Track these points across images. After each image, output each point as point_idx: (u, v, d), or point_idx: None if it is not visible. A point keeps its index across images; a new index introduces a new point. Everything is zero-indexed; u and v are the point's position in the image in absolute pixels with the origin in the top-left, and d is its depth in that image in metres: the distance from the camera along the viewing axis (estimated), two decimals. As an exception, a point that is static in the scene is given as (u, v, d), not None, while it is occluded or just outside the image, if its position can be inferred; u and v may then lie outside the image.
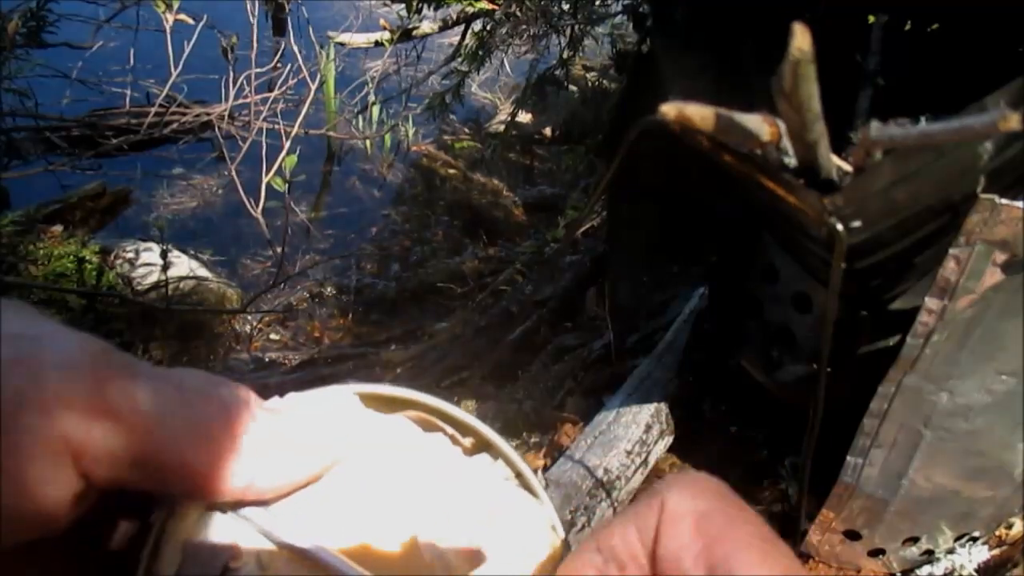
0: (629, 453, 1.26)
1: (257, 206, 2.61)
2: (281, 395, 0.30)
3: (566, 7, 2.79)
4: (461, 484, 0.31)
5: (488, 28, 2.83)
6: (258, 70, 3.34)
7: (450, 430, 0.33)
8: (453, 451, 0.32)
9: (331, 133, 3.67)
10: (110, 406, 0.24)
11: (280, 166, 2.58)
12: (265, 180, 2.59)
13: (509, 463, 0.33)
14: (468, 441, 0.33)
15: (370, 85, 3.69)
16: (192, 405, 0.26)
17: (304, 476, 0.28)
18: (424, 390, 0.33)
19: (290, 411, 0.29)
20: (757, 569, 0.24)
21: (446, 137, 3.99)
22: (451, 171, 3.70)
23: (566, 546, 0.32)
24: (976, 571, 0.96)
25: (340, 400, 0.31)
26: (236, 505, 0.28)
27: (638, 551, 0.26)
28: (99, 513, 0.27)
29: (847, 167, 0.57)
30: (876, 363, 0.83)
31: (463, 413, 0.33)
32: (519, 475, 0.33)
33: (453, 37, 3.60)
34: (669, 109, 0.46)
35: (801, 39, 0.39)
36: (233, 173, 2.74)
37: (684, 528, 0.25)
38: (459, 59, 2.99)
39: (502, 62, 3.91)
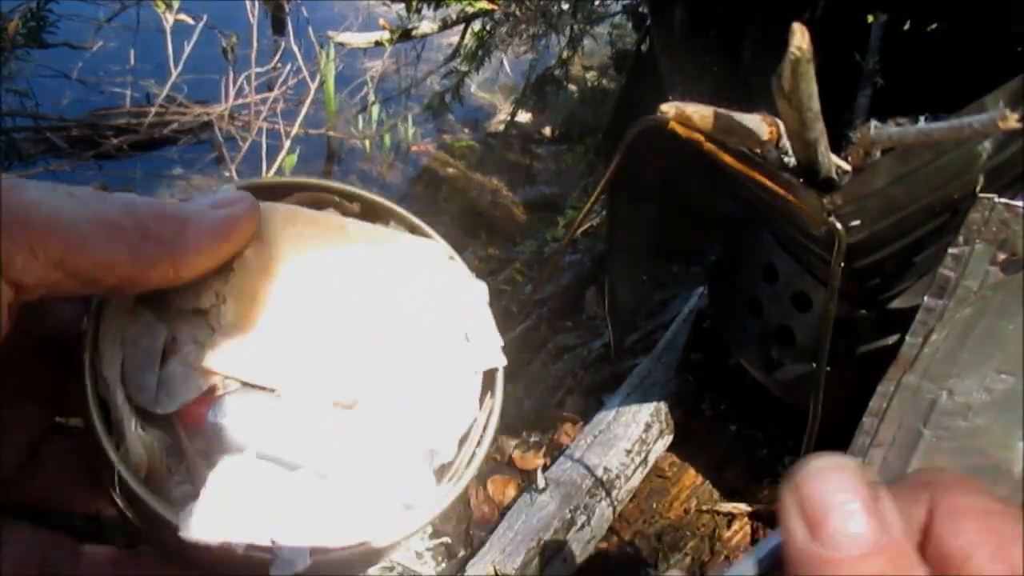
0: (629, 452, 1.27)
1: (257, 206, 2.61)
2: None
3: (565, 7, 2.79)
4: (366, 249, 0.34)
5: (487, 28, 2.83)
6: (258, 70, 3.34)
7: (337, 200, 0.35)
8: (344, 219, 0.35)
9: (331, 133, 3.67)
10: (11, 216, 0.24)
11: (280, 166, 2.58)
12: (265, 180, 2.59)
13: (401, 220, 0.36)
14: (355, 207, 0.35)
15: (370, 85, 3.69)
16: (88, 203, 0.26)
17: (218, 244, 0.30)
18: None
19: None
20: None
21: (445, 137, 3.99)
22: (451, 171, 3.70)
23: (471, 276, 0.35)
24: (975, 570, 0.96)
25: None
26: (162, 294, 0.30)
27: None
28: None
29: (846, 166, 0.57)
30: (876, 362, 0.83)
31: (345, 185, 0.35)
32: (413, 228, 0.36)
33: (453, 37, 3.60)
34: (669, 109, 0.47)
35: (800, 39, 0.40)
36: (233, 173, 2.74)
37: (970, 525, 0.23)
38: (458, 59, 2.99)
39: (501, 62, 3.91)
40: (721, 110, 0.46)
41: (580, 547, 1.18)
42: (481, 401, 0.34)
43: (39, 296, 0.26)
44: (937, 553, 0.23)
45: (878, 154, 0.55)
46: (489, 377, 0.35)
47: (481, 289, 0.35)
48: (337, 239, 0.33)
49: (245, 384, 0.30)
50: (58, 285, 0.26)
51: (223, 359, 0.30)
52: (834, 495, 0.23)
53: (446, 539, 1.29)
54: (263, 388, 0.30)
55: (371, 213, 0.36)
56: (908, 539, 0.23)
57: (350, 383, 0.31)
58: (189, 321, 0.30)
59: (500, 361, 0.35)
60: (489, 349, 0.35)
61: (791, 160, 0.54)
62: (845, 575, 0.22)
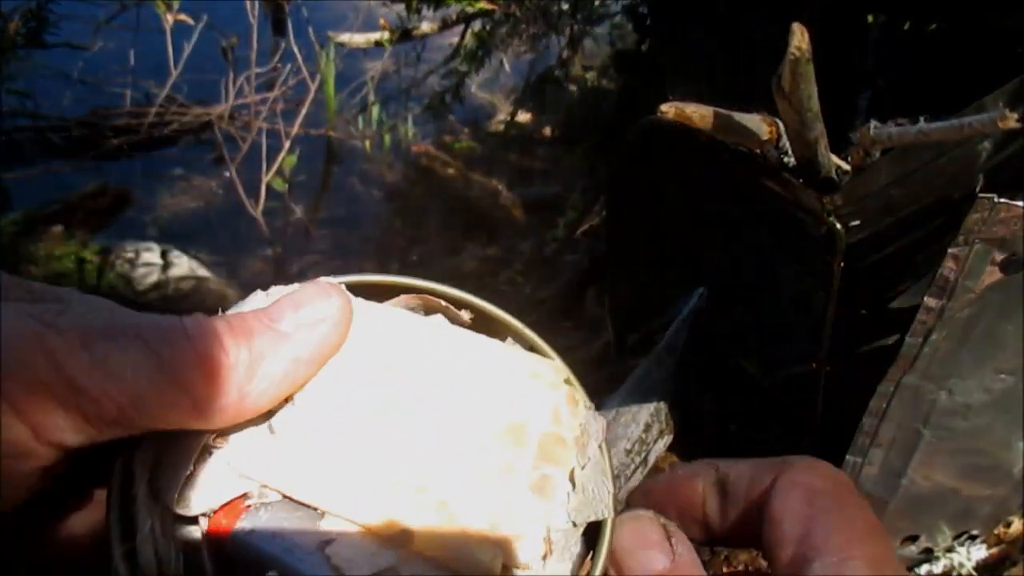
0: (629, 452, 1.27)
1: (257, 206, 2.62)
2: None
3: (565, 7, 2.79)
4: (467, 364, 0.29)
5: (487, 28, 2.83)
6: (258, 70, 3.34)
7: (445, 306, 0.31)
8: (454, 330, 0.30)
9: (331, 133, 3.68)
10: (68, 380, 0.23)
11: (280, 166, 2.58)
12: (265, 180, 2.60)
13: (518, 335, 0.31)
14: (465, 315, 0.31)
15: (370, 85, 3.69)
16: (159, 354, 0.25)
17: (291, 382, 0.27)
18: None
19: (266, 321, 0.28)
20: (848, 549, 0.25)
21: (445, 137, 3.99)
22: (450, 171, 3.70)
23: (584, 396, 0.32)
24: (975, 569, 0.97)
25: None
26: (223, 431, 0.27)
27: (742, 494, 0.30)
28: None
29: (846, 166, 0.57)
30: (875, 362, 0.83)
31: (459, 291, 0.31)
32: (533, 348, 0.31)
33: (453, 37, 3.60)
34: (669, 108, 0.47)
35: (800, 39, 0.40)
36: (233, 173, 2.75)
37: (796, 495, 0.27)
38: (458, 59, 2.99)
39: (501, 62, 3.91)
40: (721, 110, 0.47)
41: (580, 547, 1.18)
42: (578, 561, 0.28)
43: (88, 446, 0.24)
44: (767, 511, 0.28)
45: (878, 154, 0.55)
46: (592, 530, 0.28)
47: (598, 425, 0.30)
48: (438, 353, 0.29)
49: (286, 497, 0.26)
50: (109, 435, 0.25)
51: (273, 468, 0.26)
52: (631, 539, 0.29)
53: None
54: (306, 506, 0.26)
55: (484, 323, 0.32)
56: (696, 564, 0.29)
57: (406, 517, 0.26)
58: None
59: (607, 512, 0.29)
60: (596, 498, 0.28)
61: (791, 160, 0.54)
62: None
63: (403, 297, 0.31)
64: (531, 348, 0.32)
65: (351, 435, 0.27)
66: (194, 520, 0.26)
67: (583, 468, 0.29)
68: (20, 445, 0.23)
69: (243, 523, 0.26)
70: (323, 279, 0.29)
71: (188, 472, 0.26)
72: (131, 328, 0.26)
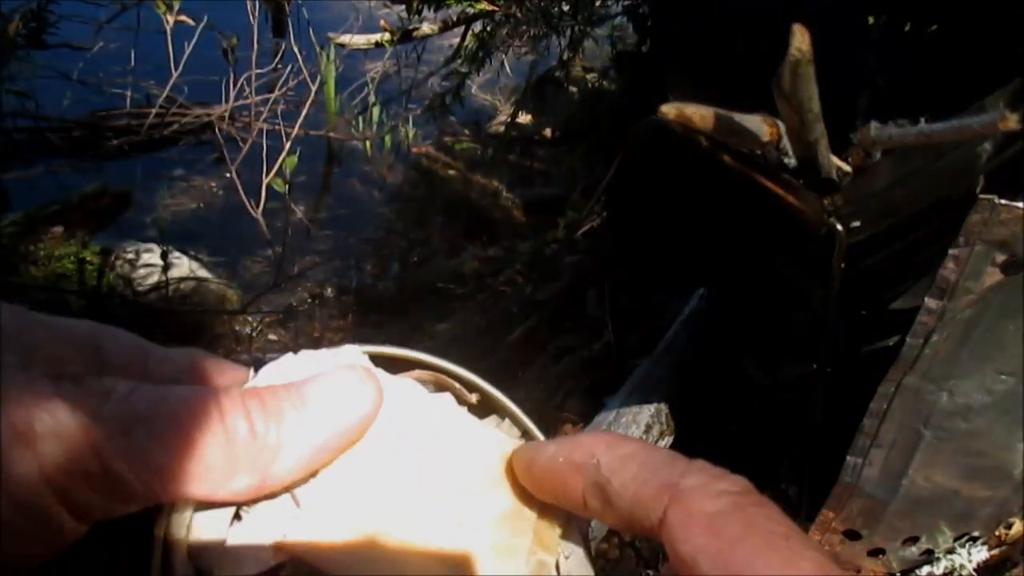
0: (629, 453, 1.26)
1: (257, 207, 2.62)
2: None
3: (566, 8, 2.79)
4: (471, 447, 0.31)
5: (488, 29, 2.83)
6: (258, 71, 3.34)
7: (458, 387, 0.33)
8: (460, 410, 0.32)
9: (331, 134, 3.68)
10: (105, 468, 0.24)
11: (280, 167, 2.58)
12: (265, 181, 2.60)
13: (516, 422, 0.33)
14: (474, 397, 0.33)
15: (370, 86, 3.70)
16: (191, 438, 0.25)
17: (315, 465, 0.28)
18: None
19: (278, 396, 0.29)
20: (780, 571, 0.23)
21: (446, 138, 3.99)
22: (451, 172, 3.70)
23: None
24: (975, 571, 0.96)
25: (347, 359, 0.31)
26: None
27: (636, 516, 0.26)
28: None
29: (847, 167, 0.57)
30: (876, 363, 0.83)
31: (468, 372, 0.33)
32: (526, 433, 0.33)
33: (453, 38, 3.60)
34: (669, 109, 0.47)
35: (800, 40, 0.40)
36: (233, 174, 2.74)
37: (698, 530, 0.24)
38: (459, 60, 2.99)
39: (502, 63, 3.91)
40: (721, 111, 0.47)
41: (580, 548, 1.18)
42: None
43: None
44: (672, 556, 0.25)
45: (878, 155, 0.55)
46: None
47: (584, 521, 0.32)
48: (448, 435, 0.31)
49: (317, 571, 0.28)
50: (136, 508, 0.25)
51: (300, 539, 0.28)
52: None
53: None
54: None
55: (488, 406, 0.34)
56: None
57: None
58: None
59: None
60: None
61: (791, 161, 0.54)
62: None
63: (417, 372, 0.33)
64: (524, 432, 0.34)
65: (370, 514, 0.29)
66: None
67: (567, 558, 0.30)
68: (54, 522, 0.24)
69: None
70: (349, 347, 0.31)
71: (223, 541, 0.27)
72: (169, 412, 0.26)
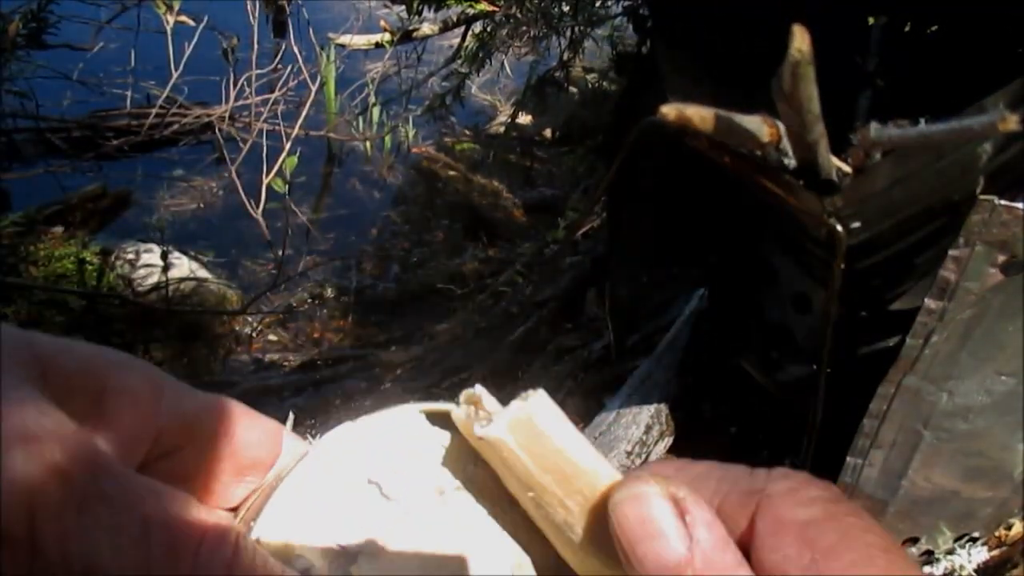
0: (629, 454, 1.27)
1: (257, 207, 2.62)
2: (280, 398, 0.29)
3: (566, 9, 2.79)
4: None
5: (488, 30, 2.83)
6: (258, 71, 3.35)
7: None
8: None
9: (331, 134, 3.68)
10: (33, 534, 0.21)
11: (280, 167, 2.58)
12: (265, 181, 2.60)
13: None
14: None
15: (370, 87, 3.70)
16: (142, 545, 0.22)
17: None
18: (424, 391, 0.32)
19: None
20: (865, 567, 0.22)
21: (446, 139, 3.99)
22: (451, 173, 3.71)
23: None
24: (975, 571, 0.96)
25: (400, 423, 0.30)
26: None
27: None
28: None
29: (847, 168, 0.57)
30: (876, 364, 0.83)
31: None
32: None
33: (453, 39, 3.61)
34: (669, 110, 0.47)
35: (800, 40, 0.40)
36: (233, 174, 2.75)
37: (789, 539, 0.23)
38: (459, 61, 2.99)
39: (502, 64, 3.91)
40: (722, 112, 0.46)
41: (580, 549, 1.18)
42: None
43: None
44: (755, 562, 0.23)
45: (878, 156, 0.55)
46: None
47: None
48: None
49: None
50: None
51: None
52: (637, 525, 0.24)
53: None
54: None
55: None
56: (721, 547, 0.23)
57: None
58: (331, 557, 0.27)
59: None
60: None
61: (791, 162, 0.54)
62: None
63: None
64: None
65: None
66: None
67: None
68: None
69: None
70: (406, 407, 0.31)
71: None
72: (142, 502, 0.23)
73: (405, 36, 3.37)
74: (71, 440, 0.22)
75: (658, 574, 0.23)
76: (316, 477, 0.27)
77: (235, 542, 0.23)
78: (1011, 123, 0.44)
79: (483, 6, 2.64)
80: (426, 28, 3.41)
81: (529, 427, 0.28)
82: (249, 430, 0.28)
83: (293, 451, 0.29)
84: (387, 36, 3.39)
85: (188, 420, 0.27)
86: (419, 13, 2.76)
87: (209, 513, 0.24)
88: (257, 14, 3.32)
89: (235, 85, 3.30)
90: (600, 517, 0.26)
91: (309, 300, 2.95)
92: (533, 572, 0.30)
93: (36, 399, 0.22)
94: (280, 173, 2.54)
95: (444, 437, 0.31)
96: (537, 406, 0.29)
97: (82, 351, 0.25)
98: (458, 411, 0.29)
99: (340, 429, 0.29)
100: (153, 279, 2.63)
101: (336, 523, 0.27)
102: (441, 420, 0.31)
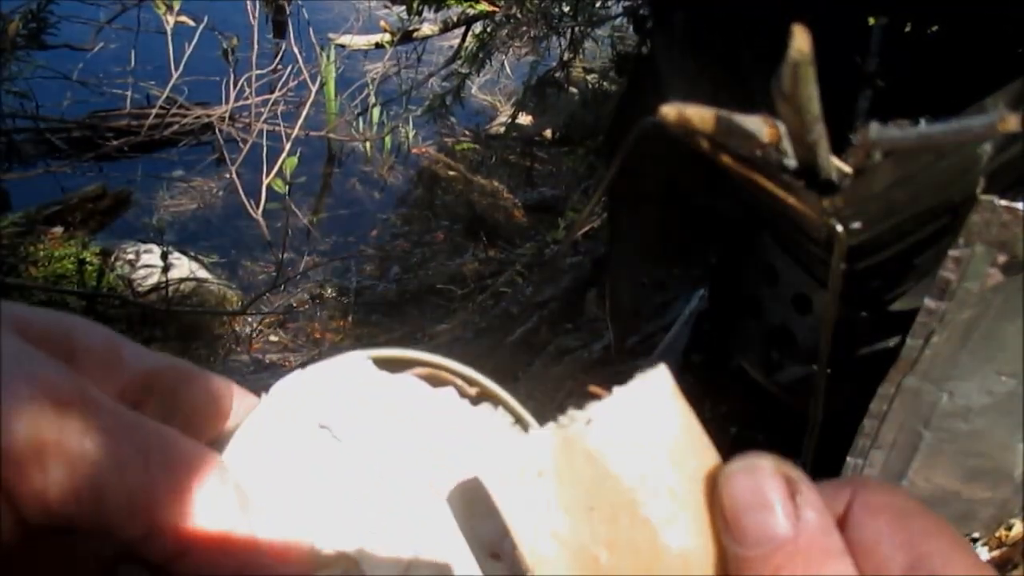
0: (629, 454, 1.26)
1: (257, 208, 2.62)
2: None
3: (566, 9, 2.79)
4: (472, 436, 0.33)
5: (488, 30, 2.83)
6: (258, 72, 3.35)
7: (458, 382, 0.35)
8: (462, 402, 0.34)
9: (331, 135, 3.68)
10: (43, 451, 0.22)
11: (280, 168, 2.59)
12: (265, 182, 2.60)
13: (509, 409, 0.35)
14: (474, 390, 0.35)
15: (370, 87, 3.70)
16: (142, 461, 0.24)
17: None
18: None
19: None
20: (966, 571, 0.22)
21: (446, 139, 3.99)
22: (451, 173, 3.71)
23: None
24: (976, 572, 0.96)
25: (350, 368, 0.32)
26: None
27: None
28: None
29: (847, 168, 0.57)
30: (876, 364, 0.83)
31: (465, 367, 0.35)
32: (518, 419, 0.35)
33: (453, 39, 3.61)
34: (669, 111, 0.47)
35: (800, 40, 0.40)
36: (233, 175, 2.75)
37: (882, 520, 0.24)
38: (459, 61, 2.99)
39: (502, 64, 3.92)
40: (721, 112, 0.46)
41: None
42: None
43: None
44: (849, 541, 0.24)
45: (879, 156, 0.55)
46: None
47: None
48: (457, 424, 0.33)
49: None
50: (73, 522, 0.24)
51: (330, 536, 0.29)
52: (747, 495, 0.24)
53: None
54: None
55: (486, 398, 0.36)
56: (826, 531, 0.23)
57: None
58: None
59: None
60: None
61: (791, 162, 0.53)
62: (760, 573, 0.23)
63: (418, 369, 0.35)
64: (517, 419, 0.36)
65: (383, 516, 0.30)
66: None
67: None
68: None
69: None
70: (353, 354, 0.32)
71: None
72: (129, 421, 0.25)
73: (405, 36, 3.38)
74: (65, 378, 0.23)
75: (758, 549, 0.23)
76: (268, 425, 0.29)
77: (223, 463, 0.26)
78: (1011, 123, 0.44)
79: (483, 6, 2.64)
80: (426, 28, 3.41)
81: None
82: (204, 386, 0.29)
83: (248, 405, 0.30)
84: (387, 36, 3.39)
85: (148, 377, 0.28)
86: (419, 13, 2.76)
87: (194, 441, 0.26)
88: (257, 14, 3.32)
89: (235, 85, 3.30)
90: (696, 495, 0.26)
91: (309, 300, 2.95)
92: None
93: (24, 345, 0.24)
94: (280, 173, 2.54)
95: (393, 381, 0.33)
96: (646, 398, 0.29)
97: (47, 313, 0.27)
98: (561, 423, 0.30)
99: (290, 378, 0.31)
100: (153, 279, 2.63)
101: (290, 467, 0.29)
102: (388, 365, 0.33)
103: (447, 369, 0.35)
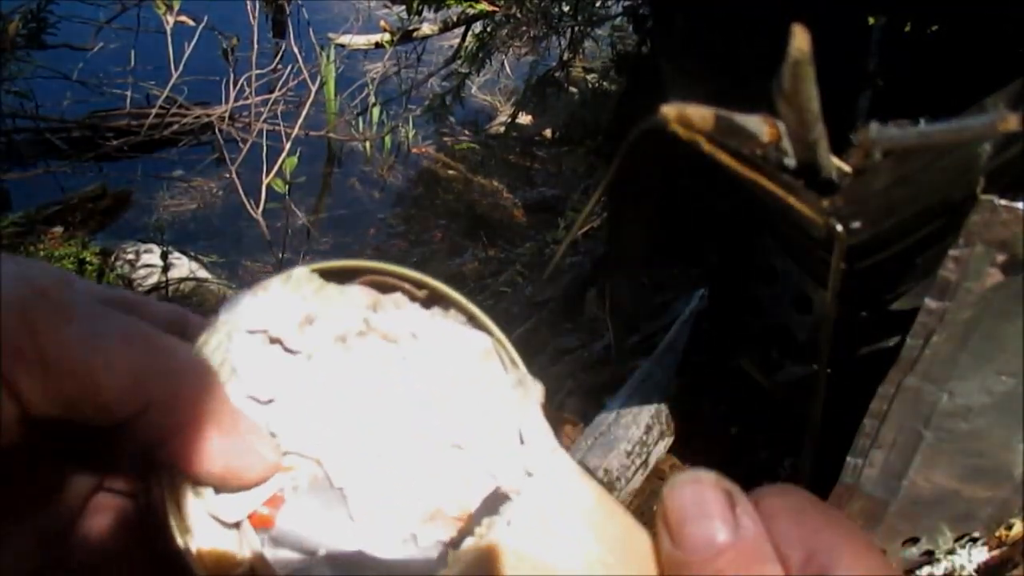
0: (629, 454, 1.27)
1: (257, 208, 2.62)
2: None
3: (566, 9, 2.79)
4: (425, 337, 0.34)
5: (488, 30, 2.83)
6: (258, 72, 3.35)
7: (406, 286, 0.35)
8: (412, 305, 0.35)
9: (331, 135, 3.68)
10: (38, 350, 0.24)
11: (280, 168, 2.59)
12: (265, 182, 2.60)
13: (461, 309, 0.36)
14: (422, 293, 0.35)
15: (370, 87, 3.70)
16: (126, 343, 0.26)
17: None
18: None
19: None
20: (861, 560, 0.24)
21: (446, 139, 3.99)
22: (451, 173, 3.71)
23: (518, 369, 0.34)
24: (976, 572, 0.96)
25: (297, 279, 0.32)
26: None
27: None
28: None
29: (847, 168, 0.57)
30: (876, 364, 0.83)
31: (412, 271, 0.35)
32: (472, 317, 0.35)
33: (453, 39, 3.61)
34: (669, 110, 0.47)
35: (800, 40, 0.40)
36: (233, 175, 2.75)
37: (780, 521, 0.25)
38: (459, 61, 2.99)
39: (502, 64, 3.92)
40: (721, 111, 0.46)
41: (580, 549, 1.18)
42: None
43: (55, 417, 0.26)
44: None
45: (879, 156, 0.55)
46: None
47: (537, 390, 0.35)
48: (401, 334, 0.34)
49: (312, 486, 0.30)
50: (74, 419, 0.26)
51: (291, 442, 0.30)
52: (691, 505, 0.26)
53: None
54: (330, 489, 0.30)
55: (436, 300, 0.36)
56: (761, 539, 0.26)
57: (413, 486, 0.31)
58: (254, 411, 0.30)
59: (551, 464, 0.33)
60: (540, 450, 0.33)
61: (791, 161, 0.53)
62: (699, 574, 0.25)
63: (368, 278, 0.35)
64: (470, 317, 0.36)
65: (350, 417, 0.32)
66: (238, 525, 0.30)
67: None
68: None
69: (282, 516, 0.30)
70: (298, 269, 0.33)
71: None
72: (116, 322, 0.26)
73: (405, 36, 3.37)
74: (46, 267, 0.26)
75: (700, 554, 0.25)
76: (221, 342, 0.30)
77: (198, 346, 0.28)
78: (1011, 123, 0.44)
79: (483, 6, 2.64)
80: (426, 28, 3.41)
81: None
82: (154, 312, 0.31)
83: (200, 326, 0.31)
84: (387, 36, 3.39)
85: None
86: (419, 13, 2.76)
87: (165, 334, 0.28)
88: (257, 14, 3.32)
89: (235, 85, 3.30)
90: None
91: (309, 300, 2.94)
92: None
93: (22, 259, 0.26)
94: (280, 173, 2.54)
95: (339, 291, 0.33)
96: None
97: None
98: None
99: (237, 297, 0.31)
100: (153, 279, 2.63)
101: (245, 380, 0.30)
102: (336, 278, 0.33)
103: (394, 274, 0.35)
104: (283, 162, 2.57)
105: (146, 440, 0.26)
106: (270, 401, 0.30)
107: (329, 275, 0.33)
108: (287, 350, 0.31)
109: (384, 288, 0.35)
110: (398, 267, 0.35)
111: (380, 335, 0.33)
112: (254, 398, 0.30)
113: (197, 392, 0.27)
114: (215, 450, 0.27)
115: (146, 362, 0.26)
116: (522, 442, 0.32)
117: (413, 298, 0.35)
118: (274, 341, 0.31)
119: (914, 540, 0.96)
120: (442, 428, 0.32)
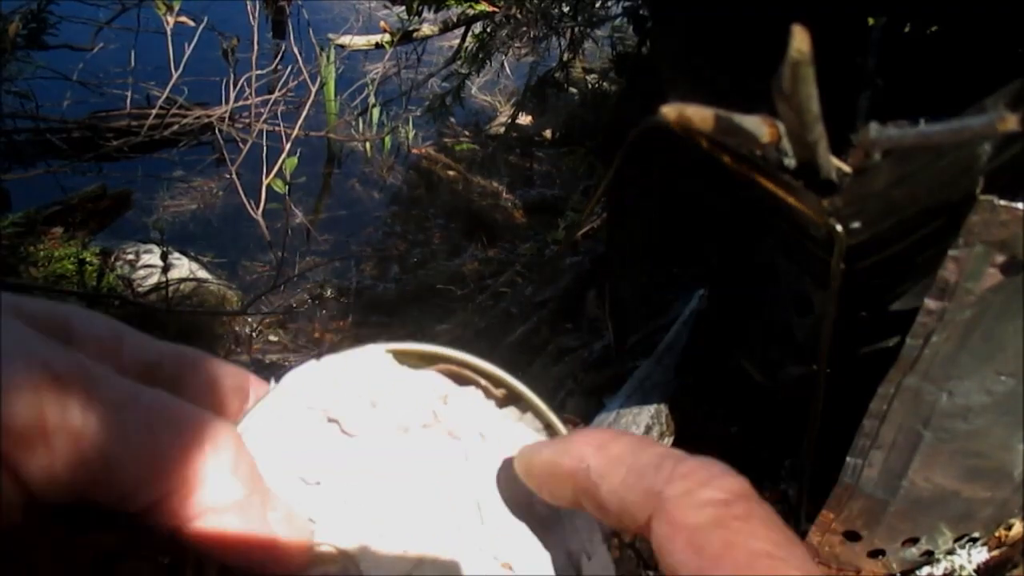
0: (629, 454, 1.26)
1: (257, 208, 2.62)
2: None
3: (566, 9, 2.79)
4: (494, 440, 0.31)
5: (488, 30, 2.84)
6: (258, 72, 3.35)
7: (483, 382, 0.33)
8: (487, 403, 0.32)
9: (331, 135, 3.68)
10: (47, 427, 0.22)
11: (280, 168, 2.58)
12: (265, 182, 2.60)
13: (539, 414, 0.33)
14: (500, 392, 0.33)
15: (370, 87, 3.70)
16: (149, 429, 0.24)
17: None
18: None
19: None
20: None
21: (446, 139, 3.99)
22: (451, 173, 3.71)
23: None
24: (975, 572, 0.96)
25: (370, 360, 0.30)
26: None
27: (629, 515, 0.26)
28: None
29: (846, 168, 0.57)
30: (876, 364, 0.83)
31: (492, 366, 0.33)
32: (548, 426, 0.33)
33: (453, 40, 3.61)
34: (669, 110, 0.47)
35: (800, 41, 0.40)
36: (233, 175, 2.75)
37: (680, 545, 0.24)
38: (459, 61, 3.00)
39: (502, 64, 3.92)
40: (721, 111, 0.46)
41: (580, 549, 1.18)
42: None
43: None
44: (661, 565, 0.24)
45: (878, 156, 0.55)
46: None
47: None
48: (479, 426, 0.31)
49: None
50: (80, 499, 0.24)
51: (329, 532, 0.28)
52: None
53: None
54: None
55: (514, 399, 0.34)
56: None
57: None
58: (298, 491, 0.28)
59: None
60: None
61: (791, 162, 0.54)
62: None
63: (443, 366, 0.33)
64: (547, 425, 0.33)
65: (395, 518, 0.29)
66: None
67: (589, 559, 0.30)
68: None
69: None
70: (372, 347, 0.31)
71: None
72: (129, 392, 0.24)
73: (405, 37, 3.38)
74: (63, 353, 0.23)
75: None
76: (277, 415, 0.28)
77: (235, 432, 0.26)
78: (1011, 123, 0.44)
79: (483, 6, 2.64)
80: (426, 29, 3.41)
81: None
82: (212, 372, 0.29)
83: (260, 394, 0.29)
84: (387, 37, 3.39)
85: (150, 366, 0.28)
86: (419, 14, 2.76)
87: (202, 409, 0.25)
88: (257, 14, 3.32)
89: (235, 86, 3.30)
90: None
91: (309, 301, 2.95)
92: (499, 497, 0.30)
93: (22, 326, 0.24)
94: (280, 174, 2.54)
95: (413, 377, 0.31)
96: None
97: (43, 301, 0.27)
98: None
99: (302, 368, 0.30)
100: (153, 280, 2.63)
101: (295, 458, 0.28)
102: (410, 360, 0.31)
103: (473, 367, 0.33)
104: (283, 162, 2.57)
105: (169, 524, 0.25)
106: (317, 483, 0.28)
107: (404, 356, 0.31)
108: (344, 432, 0.29)
109: (460, 380, 0.32)
110: (479, 360, 0.33)
111: (446, 430, 0.31)
112: (299, 478, 0.28)
113: (227, 480, 0.25)
114: (241, 541, 0.25)
115: (170, 454, 0.24)
116: (578, 574, 0.30)
117: (488, 395, 0.33)
118: (332, 421, 0.29)
119: (914, 540, 0.96)
120: (492, 542, 0.29)
